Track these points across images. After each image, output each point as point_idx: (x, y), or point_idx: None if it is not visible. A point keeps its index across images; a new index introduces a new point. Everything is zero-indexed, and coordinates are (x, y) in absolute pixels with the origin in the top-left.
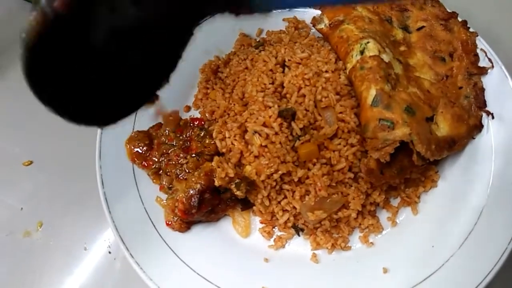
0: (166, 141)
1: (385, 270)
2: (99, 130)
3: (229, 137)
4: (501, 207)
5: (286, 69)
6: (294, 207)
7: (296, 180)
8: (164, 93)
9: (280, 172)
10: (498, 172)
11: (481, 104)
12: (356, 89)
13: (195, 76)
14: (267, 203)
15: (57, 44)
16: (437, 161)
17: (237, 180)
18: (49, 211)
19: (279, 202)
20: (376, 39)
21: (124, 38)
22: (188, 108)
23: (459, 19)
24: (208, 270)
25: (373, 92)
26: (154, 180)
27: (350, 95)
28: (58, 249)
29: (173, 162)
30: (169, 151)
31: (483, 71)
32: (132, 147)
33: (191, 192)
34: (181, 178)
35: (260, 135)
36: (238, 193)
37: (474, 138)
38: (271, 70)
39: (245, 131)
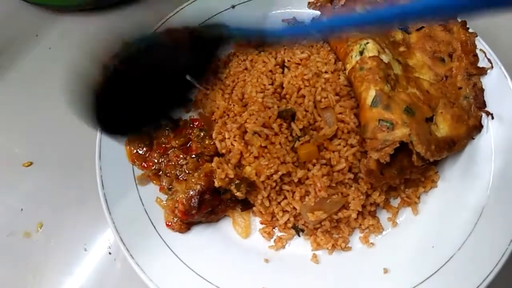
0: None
1: (386, 271)
2: (99, 131)
3: (228, 138)
4: (501, 207)
5: (286, 69)
6: (294, 208)
7: (296, 180)
8: None
9: (280, 172)
10: (498, 172)
11: (481, 105)
12: (356, 89)
13: None
14: (267, 203)
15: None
16: (437, 162)
17: (237, 181)
18: (49, 211)
19: (279, 203)
20: (375, 39)
21: (157, 70)
22: (188, 109)
23: (459, 20)
24: (208, 271)
25: (372, 93)
26: (154, 181)
27: (349, 95)
28: (58, 249)
29: (173, 163)
30: (169, 152)
31: (483, 71)
32: (132, 148)
33: (191, 193)
34: (181, 179)
35: (259, 135)
36: (238, 194)
37: (473, 139)
38: (270, 71)
39: (245, 132)
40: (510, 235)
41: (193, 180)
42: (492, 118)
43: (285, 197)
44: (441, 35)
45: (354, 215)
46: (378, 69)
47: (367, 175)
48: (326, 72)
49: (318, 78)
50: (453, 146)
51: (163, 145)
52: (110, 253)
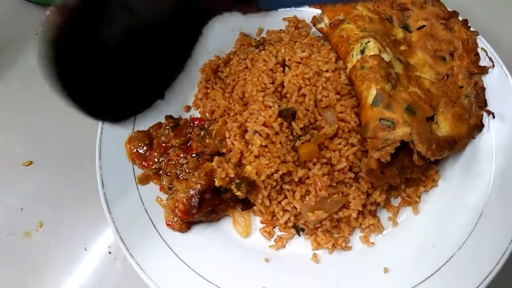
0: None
1: (386, 270)
2: (99, 130)
3: (229, 137)
4: (502, 207)
5: (286, 68)
6: (295, 207)
7: (296, 180)
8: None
9: (280, 172)
10: (499, 172)
11: (482, 104)
12: (357, 88)
13: (195, 75)
14: (267, 203)
15: (74, 38)
16: (438, 161)
17: (237, 180)
18: (49, 211)
19: (280, 202)
20: (376, 38)
21: (136, 35)
22: (188, 108)
23: (460, 18)
24: (209, 270)
25: (373, 92)
26: (154, 180)
27: (350, 94)
28: (58, 249)
29: (173, 162)
30: (169, 151)
31: (484, 70)
32: (132, 147)
33: (192, 192)
34: (181, 178)
35: (260, 135)
36: (238, 193)
37: (474, 138)
38: (271, 69)
39: (245, 131)
40: (510, 235)
41: (193, 179)
42: (493, 117)
43: (286, 197)
44: (442, 33)
45: (354, 215)
46: (379, 68)
47: (368, 175)
48: (327, 71)
49: (319, 77)
50: (454, 145)
51: (163, 144)
52: (110, 253)
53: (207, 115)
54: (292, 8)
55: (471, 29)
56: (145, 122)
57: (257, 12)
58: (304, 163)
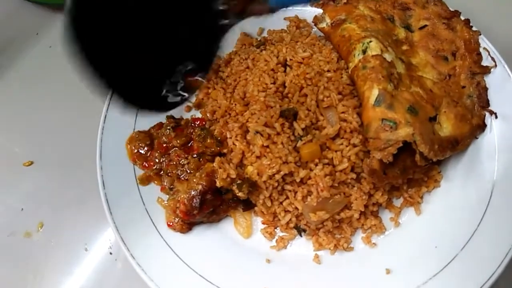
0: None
1: (388, 271)
2: (99, 130)
3: (230, 138)
4: (505, 207)
5: (288, 68)
6: (296, 208)
7: (298, 180)
8: None
9: (282, 172)
10: (501, 172)
11: (484, 104)
12: (358, 88)
13: None
14: (269, 203)
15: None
16: (440, 161)
17: (239, 181)
18: (50, 211)
19: (281, 203)
20: (378, 38)
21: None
22: (189, 108)
23: (462, 18)
24: (210, 271)
25: (375, 92)
26: (155, 181)
27: (352, 94)
28: (59, 249)
29: (174, 163)
30: (170, 152)
31: (486, 70)
32: (133, 148)
33: (193, 193)
34: (183, 178)
35: (261, 135)
36: (240, 194)
37: (477, 138)
38: (272, 69)
39: (247, 131)
40: None
41: (194, 180)
42: (496, 117)
43: (287, 197)
44: (444, 33)
45: (356, 215)
46: (381, 67)
47: (370, 175)
48: (328, 71)
49: (321, 77)
50: (456, 146)
51: (164, 145)
52: (111, 253)
53: (208, 115)
54: (293, 8)
55: (473, 28)
56: (146, 122)
57: (270, 12)
58: (305, 164)
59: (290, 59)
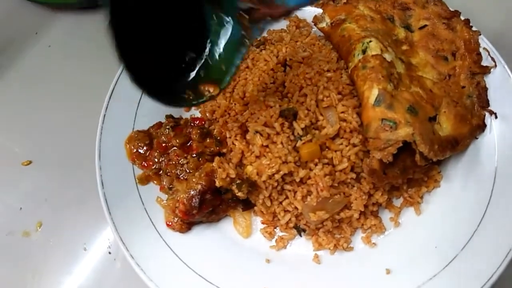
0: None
1: (388, 271)
2: (98, 130)
3: (230, 137)
4: (505, 207)
5: (288, 68)
6: (296, 208)
7: (297, 180)
8: None
9: (281, 172)
10: (501, 172)
11: (484, 104)
12: (358, 88)
13: None
14: (268, 203)
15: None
16: (440, 161)
17: (238, 181)
18: (49, 211)
19: (281, 203)
20: (378, 38)
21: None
22: (188, 108)
23: (462, 18)
24: (209, 271)
25: (375, 92)
26: (155, 181)
27: (352, 94)
28: (58, 249)
29: (174, 162)
30: (169, 151)
31: (486, 70)
32: (132, 147)
33: (192, 192)
34: (182, 178)
35: (261, 135)
36: (239, 194)
37: (477, 138)
38: (272, 69)
39: (246, 131)
40: None
41: (194, 179)
42: (496, 117)
43: (287, 197)
44: (444, 33)
45: (356, 215)
46: (381, 67)
47: (370, 175)
48: (328, 70)
49: (320, 76)
50: (456, 146)
51: (164, 144)
52: (110, 253)
53: (207, 114)
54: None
55: (473, 28)
56: (145, 122)
57: (286, 14)
58: (305, 164)
59: (290, 59)
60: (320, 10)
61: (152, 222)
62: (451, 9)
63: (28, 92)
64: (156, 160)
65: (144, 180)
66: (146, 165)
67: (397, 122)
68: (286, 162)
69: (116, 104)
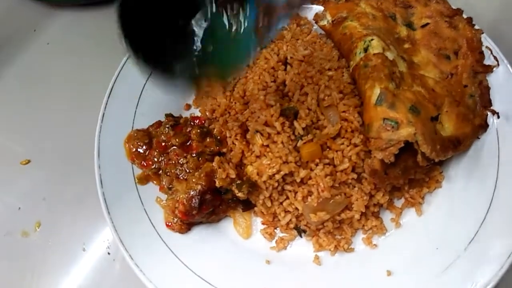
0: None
1: (389, 273)
2: (97, 129)
3: (230, 137)
4: (507, 208)
5: (288, 66)
6: (297, 208)
7: (298, 180)
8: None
9: (282, 172)
10: (504, 173)
11: (486, 103)
12: (360, 87)
13: None
14: (268, 204)
15: None
16: (442, 162)
17: (238, 181)
18: (47, 211)
19: (281, 203)
20: (380, 36)
21: None
22: (188, 106)
23: (464, 16)
24: (209, 272)
25: (377, 91)
26: (154, 181)
27: (353, 93)
28: (56, 249)
29: (173, 162)
30: (169, 151)
31: (489, 69)
32: (131, 147)
33: (192, 193)
34: (181, 178)
35: (261, 134)
36: (239, 194)
37: (479, 138)
38: (272, 67)
39: (247, 130)
40: None
41: (193, 179)
42: (498, 117)
43: (287, 197)
44: (447, 32)
45: (357, 216)
46: (382, 66)
47: (371, 175)
48: (329, 69)
49: (321, 75)
50: (458, 146)
51: (163, 143)
52: (109, 253)
53: (207, 113)
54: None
55: (476, 27)
56: (144, 121)
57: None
58: (306, 164)
59: (291, 57)
60: (321, 8)
61: (151, 223)
62: (454, 7)
63: (26, 90)
64: (155, 159)
65: (143, 180)
66: (145, 164)
67: (399, 122)
68: (286, 162)
69: (115, 103)
